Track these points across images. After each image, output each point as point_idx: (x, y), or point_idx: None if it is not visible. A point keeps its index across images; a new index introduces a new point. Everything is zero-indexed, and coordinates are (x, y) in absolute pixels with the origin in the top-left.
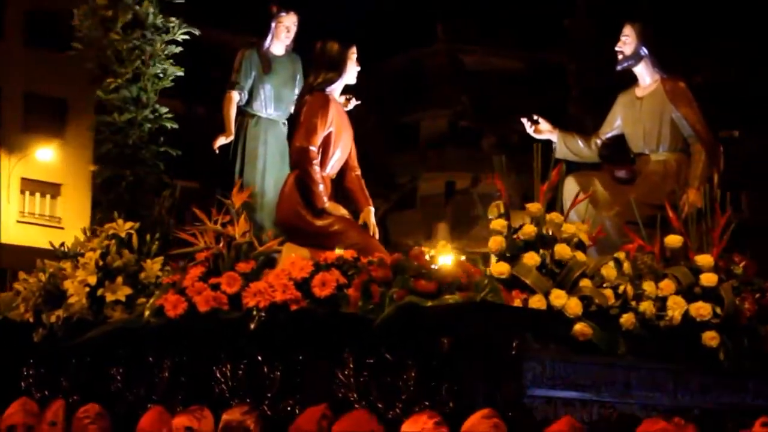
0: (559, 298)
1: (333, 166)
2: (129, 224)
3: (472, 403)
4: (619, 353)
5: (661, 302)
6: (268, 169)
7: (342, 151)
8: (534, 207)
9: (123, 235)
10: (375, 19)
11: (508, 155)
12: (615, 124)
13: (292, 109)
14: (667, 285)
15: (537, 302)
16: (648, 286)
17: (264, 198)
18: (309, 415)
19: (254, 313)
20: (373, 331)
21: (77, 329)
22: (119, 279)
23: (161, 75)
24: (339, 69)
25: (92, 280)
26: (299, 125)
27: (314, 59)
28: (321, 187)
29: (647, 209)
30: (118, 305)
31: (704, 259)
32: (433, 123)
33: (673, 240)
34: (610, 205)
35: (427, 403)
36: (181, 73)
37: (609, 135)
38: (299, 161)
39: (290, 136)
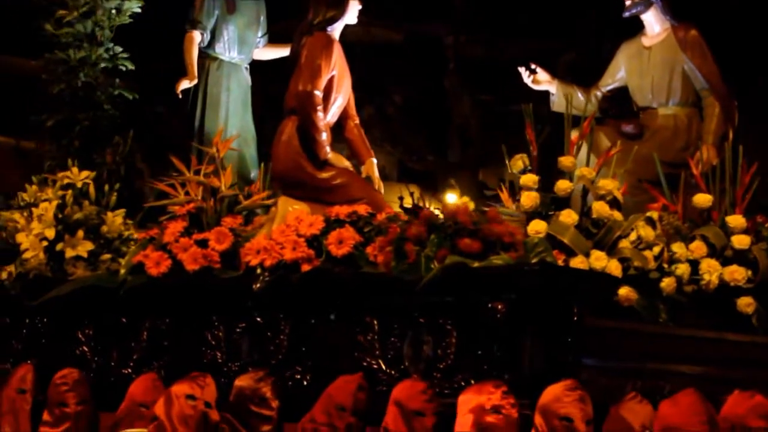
0: (599, 260)
1: (334, 113)
2: (85, 173)
3: (531, 374)
4: (660, 320)
5: (692, 266)
6: (231, 118)
7: (343, 97)
8: (567, 160)
9: (80, 185)
10: None
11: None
12: (617, 75)
13: (254, 53)
14: (698, 247)
15: (579, 263)
16: (678, 248)
17: None
18: (342, 385)
19: (258, 272)
20: (402, 294)
21: (34, 287)
22: (80, 233)
23: (118, 9)
24: (341, 6)
25: (50, 233)
26: (300, 68)
27: None
28: (324, 135)
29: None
30: (80, 261)
31: (736, 220)
32: None
33: (702, 199)
34: (619, 162)
35: (471, 373)
36: (138, 9)
37: (610, 87)
38: (302, 107)
39: (254, 82)
